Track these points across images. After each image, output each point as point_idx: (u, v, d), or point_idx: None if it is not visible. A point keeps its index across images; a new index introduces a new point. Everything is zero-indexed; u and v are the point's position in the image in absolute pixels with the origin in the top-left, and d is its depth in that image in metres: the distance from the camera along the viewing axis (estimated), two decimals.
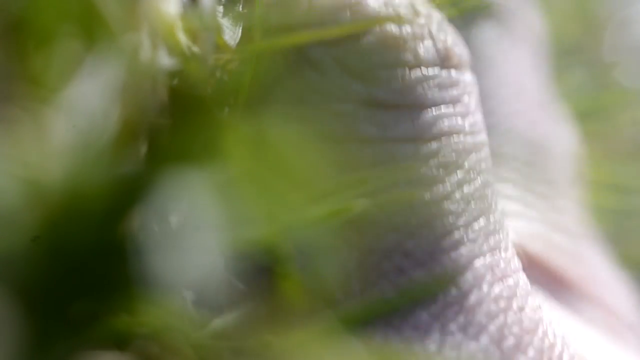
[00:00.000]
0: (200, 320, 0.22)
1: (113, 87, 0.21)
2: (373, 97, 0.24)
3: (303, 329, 0.23)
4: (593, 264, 0.33)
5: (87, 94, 0.20)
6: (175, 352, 0.22)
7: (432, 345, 0.24)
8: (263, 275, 0.24)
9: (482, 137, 0.26)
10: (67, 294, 0.20)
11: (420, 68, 0.25)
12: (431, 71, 0.25)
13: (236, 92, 0.24)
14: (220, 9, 0.24)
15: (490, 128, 0.31)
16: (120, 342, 0.21)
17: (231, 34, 0.24)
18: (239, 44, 0.24)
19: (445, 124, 0.25)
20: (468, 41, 0.31)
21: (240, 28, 0.24)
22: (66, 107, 0.20)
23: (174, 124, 0.22)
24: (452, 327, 0.24)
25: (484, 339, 0.24)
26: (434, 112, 0.25)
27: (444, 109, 0.25)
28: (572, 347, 0.25)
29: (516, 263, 0.26)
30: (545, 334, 0.25)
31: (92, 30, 0.21)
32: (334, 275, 0.25)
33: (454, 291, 0.24)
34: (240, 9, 0.24)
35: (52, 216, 0.19)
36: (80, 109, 0.20)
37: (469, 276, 0.24)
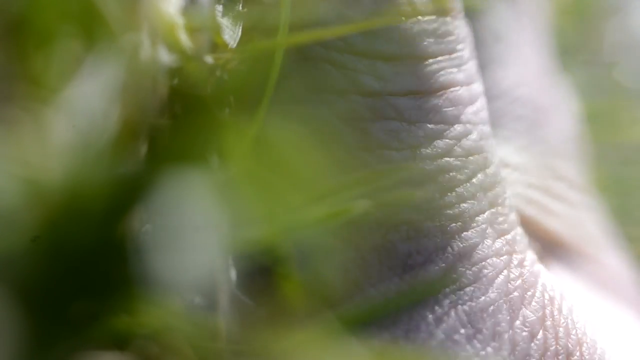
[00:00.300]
0: (200, 321, 0.22)
1: (113, 87, 0.21)
2: (372, 49, 0.25)
3: (303, 329, 0.23)
4: (589, 229, 0.33)
5: (87, 94, 0.20)
6: (175, 352, 0.22)
7: (445, 300, 0.24)
8: (263, 275, 0.24)
9: (477, 86, 0.27)
10: (67, 294, 0.20)
11: (417, 17, 0.25)
12: (427, 20, 0.26)
13: (236, 91, 0.24)
14: (220, 8, 0.24)
15: (496, 96, 0.32)
16: (120, 342, 0.21)
17: (231, 34, 0.24)
18: (239, 43, 0.24)
19: (443, 76, 0.26)
20: (478, 16, 0.32)
21: (240, 28, 0.24)
22: (66, 107, 0.20)
23: (174, 124, 0.22)
24: (464, 280, 0.25)
25: (493, 292, 0.25)
26: (432, 63, 0.25)
27: (440, 60, 0.26)
28: (569, 300, 0.26)
29: (513, 217, 0.26)
30: (544, 287, 0.26)
31: (92, 30, 0.21)
32: (334, 275, 0.25)
33: (460, 245, 0.25)
34: (240, 8, 0.24)
35: (52, 216, 0.19)
36: (80, 109, 0.20)
37: (473, 231, 0.25)
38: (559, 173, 0.33)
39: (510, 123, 0.33)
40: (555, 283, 0.26)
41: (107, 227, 0.20)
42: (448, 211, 0.25)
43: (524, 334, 0.25)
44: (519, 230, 0.26)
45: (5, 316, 0.19)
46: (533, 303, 0.25)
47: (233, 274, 0.24)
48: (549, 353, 0.25)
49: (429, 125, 0.25)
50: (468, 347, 0.24)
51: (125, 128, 0.21)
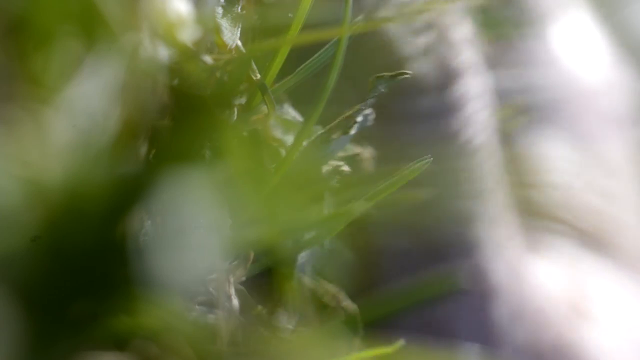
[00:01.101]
0: (200, 321, 0.22)
1: (113, 87, 0.21)
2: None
3: (304, 329, 0.23)
4: (623, 220, 0.37)
5: (87, 94, 0.20)
6: (175, 352, 0.22)
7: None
8: (263, 275, 0.24)
9: (483, 113, 0.31)
10: (67, 294, 0.20)
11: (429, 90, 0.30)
12: (436, 93, 0.30)
13: (236, 92, 0.24)
14: (220, 9, 0.24)
15: (539, 94, 0.37)
16: (120, 342, 0.21)
17: (230, 34, 0.24)
18: (239, 44, 0.24)
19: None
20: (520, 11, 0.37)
21: (240, 28, 0.24)
22: (66, 107, 0.20)
23: (174, 124, 0.22)
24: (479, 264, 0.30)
25: (494, 279, 0.31)
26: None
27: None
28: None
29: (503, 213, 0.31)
30: (526, 270, 0.32)
31: (92, 30, 0.21)
32: (336, 275, 0.25)
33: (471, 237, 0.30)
34: (239, 9, 0.24)
35: (52, 216, 0.19)
36: (80, 109, 0.20)
37: (476, 229, 0.30)
38: (601, 161, 0.37)
39: (556, 119, 0.37)
40: (531, 266, 0.33)
41: (107, 227, 0.20)
42: (458, 208, 0.30)
43: (516, 303, 0.31)
44: (508, 226, 0.32)
45: (5, 316, 0.19)
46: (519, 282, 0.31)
47: (233, 274, 0.24)
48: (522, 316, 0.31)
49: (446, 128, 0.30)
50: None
51: (125, 128, 0.21)
